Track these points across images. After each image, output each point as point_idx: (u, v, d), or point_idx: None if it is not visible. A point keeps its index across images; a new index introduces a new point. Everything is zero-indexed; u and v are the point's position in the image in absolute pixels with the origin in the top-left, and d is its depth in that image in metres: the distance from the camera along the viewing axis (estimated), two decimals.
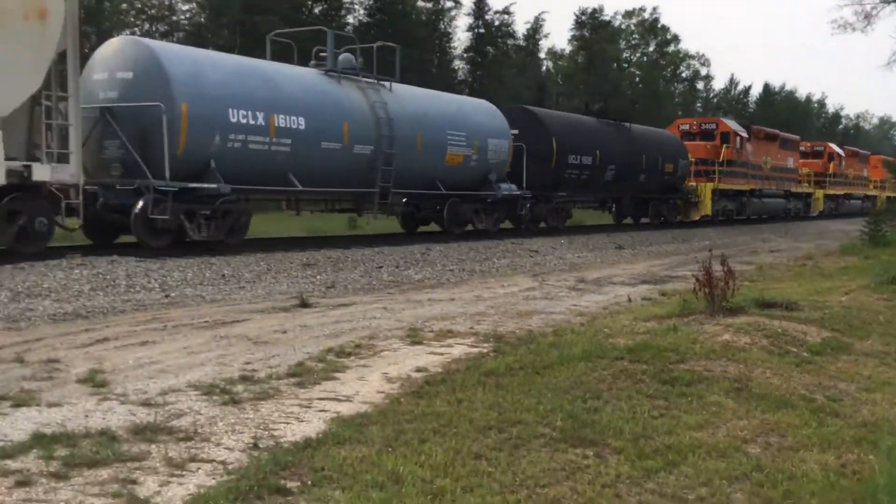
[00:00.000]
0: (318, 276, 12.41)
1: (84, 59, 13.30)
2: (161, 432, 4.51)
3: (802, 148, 42.04)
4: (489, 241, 18.23)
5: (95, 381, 5.58)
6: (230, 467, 4.00)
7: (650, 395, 5.47)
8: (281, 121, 14.41)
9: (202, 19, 48.21)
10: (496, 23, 59.39)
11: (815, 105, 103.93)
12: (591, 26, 67.18)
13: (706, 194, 29.70)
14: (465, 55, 59.01)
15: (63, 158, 11.51)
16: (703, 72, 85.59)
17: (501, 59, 58.55)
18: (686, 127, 32.43)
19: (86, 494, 3.62)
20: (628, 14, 77.04)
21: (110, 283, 10.15)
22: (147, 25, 47.32)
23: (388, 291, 11.54)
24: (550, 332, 8.01)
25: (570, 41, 70.77)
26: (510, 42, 61.91)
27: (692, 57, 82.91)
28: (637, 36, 78.26)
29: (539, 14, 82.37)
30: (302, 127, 14.79)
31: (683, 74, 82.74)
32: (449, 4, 56.98)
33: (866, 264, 15.50)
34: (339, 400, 5.37)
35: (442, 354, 6.92)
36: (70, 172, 11.47)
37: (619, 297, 11.24)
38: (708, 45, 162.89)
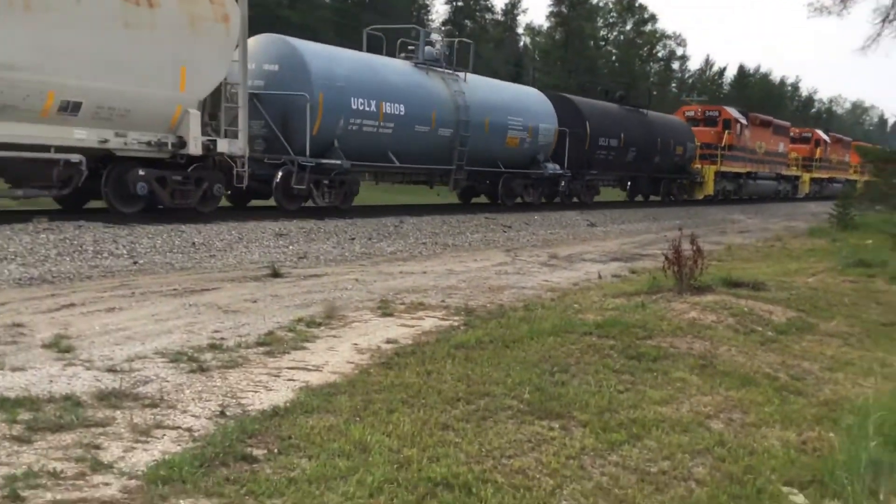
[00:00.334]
0: (291, 247, 12.34)
1: None
2: (126, 398, 4.48)
3: (792, 134, 43.97)
4: (462, 216, 18.24)
5: (60, 347, 5.53)
6: (196, 434, 3.99)
7: (617, 370, 5.53)
8: (387, 107, 16.99)
9: None
10: None
11: (789, 88, 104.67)
12: (569, 3, 66.84)
13: (709, 176, 32.49)
14: (442, 28, 58.64)
15: (233, 135, 13.88)
16: (679, 52, 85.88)
17: (479, 34, 58.27)
18: (691, 113, 34.87)
19: (49, 458, 3.59)
20: None
21: (77, 248, 10.02)
22: None
23: (360, 263, 11.51)
24: (521, 306, 8.05)
25: (548, 17, 70.48)
26: (488, 16, 61.60)
27: (668, 37, 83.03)
28: (615, 14, 78.09)
29: None
30: (402, 112, 17.34)
31: (660, 54, 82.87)
32: None
33: (834, 247, 15.72)
34: (309, 370, 5.36)
35: (412, 327, 6.93)
36: (239, 146, 13.92)
37: (590, 273, 11.31)
38: (685, 25, 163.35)
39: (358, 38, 20.13)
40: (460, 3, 57.68)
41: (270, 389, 4.83)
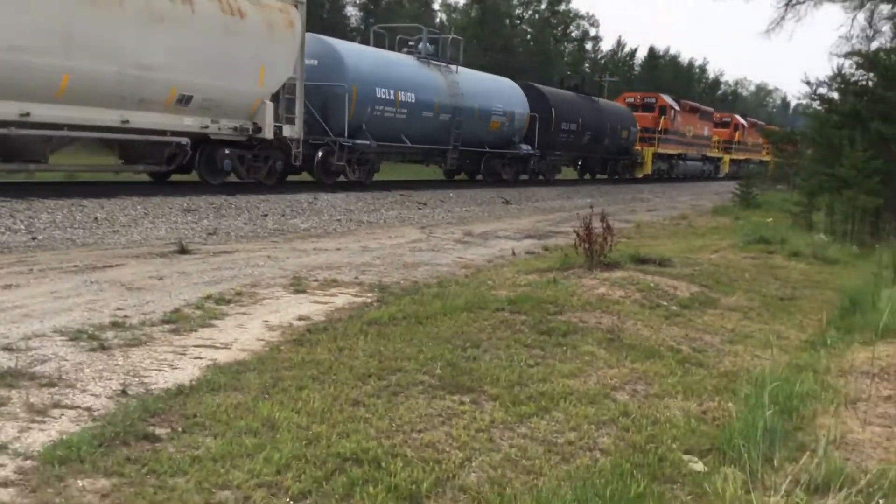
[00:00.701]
0: (200, 223, 12.05)
1: None
2: (22, 378, 4.29)
3: (714, 119, 47.55)
4: (378, 193, 18.14)
5: None
6: (96, 414, 3.86)
7: (528, 345, 5.60)
8: (402, 96, 20.16)
9: None
10: None
11: (697, 70, 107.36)
12: None
13: (648, 157, 36.45)
14: (357, 2, 57.95)
15: (290, 121, 16.69)
16: (592, 32, 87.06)
17: (395, 9, 57.80)
18: (631, 100, 38.41)
19: None
20: None
21: None
22: None
23: (273, 240, 11.33)
24: (435, 283, 8.06)
25: None
26: None
27: (582, 17, 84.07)
28: None
29: None
30: (413, 100, 20.56)
31: (573, 34, 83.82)
32: None
33: (736, 225, 16.30)
34: (216, 347, 5.25)
35: (325, 303, 6.86)
36: (296, 131, 16.88)
37: (504, 250, 11.41)
38: (597, 6, 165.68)
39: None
40: None
41: (176, 368, 4.71)
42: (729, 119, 51.46)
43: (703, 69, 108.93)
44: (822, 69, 64.05)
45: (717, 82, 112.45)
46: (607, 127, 31.99)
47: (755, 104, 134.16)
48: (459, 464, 3.61)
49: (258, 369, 4.67)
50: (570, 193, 25.42)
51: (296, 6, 16.36)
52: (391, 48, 22.32)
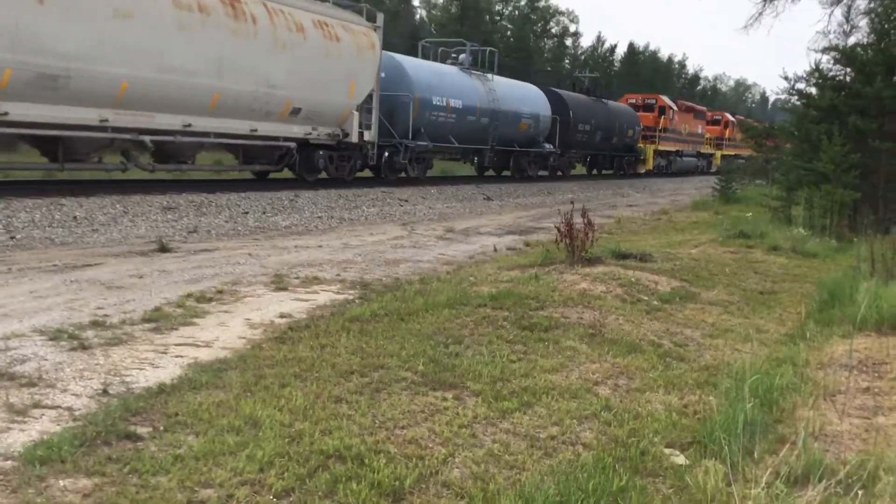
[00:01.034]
0: (180, 221, 11.98)
1: None
2: (2, 378, 4.25)
3: (707, 117, 50.20)
4: (359, 189, 18.10)
5: None
6: (77, 413, 3.83)
7: (510, 341, 5.61)
8: (452, 102, 23.24)
9: None
10: None
11: (677, 66, 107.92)
12: None
13: (650, 153, 39.43)
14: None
15: (368, 127, 19.40)
16: (572, 28, 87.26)
17: (375, 5, 57.60)
18: (633, 101, 41.14)
19: None
20: None
21: None
22: None
23: (254, 237, 11.28)
24: (417, 279, 8.06)
25: None
26: None
27: (562, 13, 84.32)
28: None
29: None
30: (460, 106, 23.61)
31: (553, 30, 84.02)
32: None
33: (716, 219, 16.40)
34: (198, 346, 5.22)
35: (307, 301, 6.85)
36: (372, 135, 19.66)
37: (486, 246, 11.43)
38: (577, 2, 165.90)
39: None
40: None
41: (157, 366, 4.69)
42: (720, 117, 53.97)
43: (682, 65, 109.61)
44: (801, 64, 64.94)
45: (696, 78, 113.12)
46: (616, 127, 35.07)
47: (734, 99, 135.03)
48: (442, 460, 3.62)
49: (240, 367, 4.65)
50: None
51: (375, 30, 19.54)
52: (434, 59, 25.54)
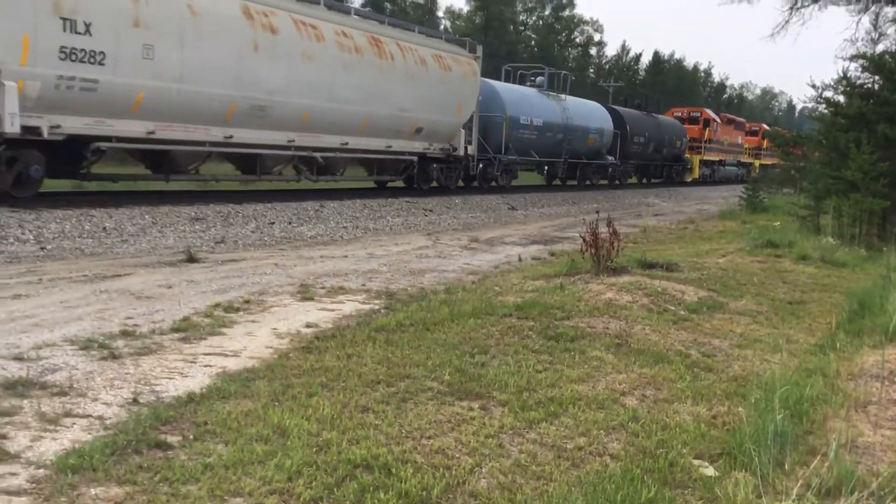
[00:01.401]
0: (208, 231, 12.09)
1: None
2: (34, 387, 4.32)
3: (746, 128, 53.07)
4: (384, 199, 18.17)
5: None
6: (107, 422, 3.88)
7: (536, 351, 5.60)
8: (534, 121, 26.40)
9: None
10: None
11: (702, 74, 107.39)
12: None
13: (696, 163, 42.72)
14: (361, 10, 58.08)
15: (469, 143, 22.73)
16: (597, 38, 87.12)
17: (398, 16, 57.96)
18: (679, 114, 44.67)
19: None
20: None
21: None
22: None
23: (280, 248, 11.36)
24: (442, 289, 8.07)
25: (468, 1, 70.65)
26: None
27: (586, 22, 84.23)
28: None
29: None
30: (541, 124, 26.73)
31: (577, 40, 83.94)
32: None
33: (743, 229, 16.25)
34: (226, 355, 5.27)
35: (333, 311, 6.88)
36: (473, 150, 23.06)
37: (511, 256, 11.42)
38: (601, 11, 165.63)
39: None
40: None
41: (186, 376, 4.73)
42: (758, 128, 56.42)
43: (707, 73, 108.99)
44: (828, 72, 64.54)
45: (722, 86, 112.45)
46: (666, 139, 38.38)
47: (761, 108, 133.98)
48: (469, 470, 3.62)
49: (268, 377, 4.68)
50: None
51: (475, 60, 22.97)
52: (513, 81, 28.64)
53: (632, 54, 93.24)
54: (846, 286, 9.48)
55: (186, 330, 5.83)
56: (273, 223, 13.48)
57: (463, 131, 22.23)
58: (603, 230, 8.64)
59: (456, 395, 4.56)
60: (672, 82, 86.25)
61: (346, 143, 18.17)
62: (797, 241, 13.00)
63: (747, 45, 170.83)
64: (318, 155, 17.50)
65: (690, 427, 4.37)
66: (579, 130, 29.44)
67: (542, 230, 16.15)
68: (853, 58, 16.99)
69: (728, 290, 8.62)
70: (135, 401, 4.21)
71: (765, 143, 53.35)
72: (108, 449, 3.47)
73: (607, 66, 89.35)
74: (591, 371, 5.23)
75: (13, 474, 3.27)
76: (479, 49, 23.49)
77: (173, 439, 3.67)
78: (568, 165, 29.72)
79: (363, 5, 57.82)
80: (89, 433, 3.73)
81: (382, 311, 6.88)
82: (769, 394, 4.52)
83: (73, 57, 11.92)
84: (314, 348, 5.43)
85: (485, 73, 25.43)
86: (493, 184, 25.13)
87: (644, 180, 39.55)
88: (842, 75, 16.47)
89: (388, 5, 57.84)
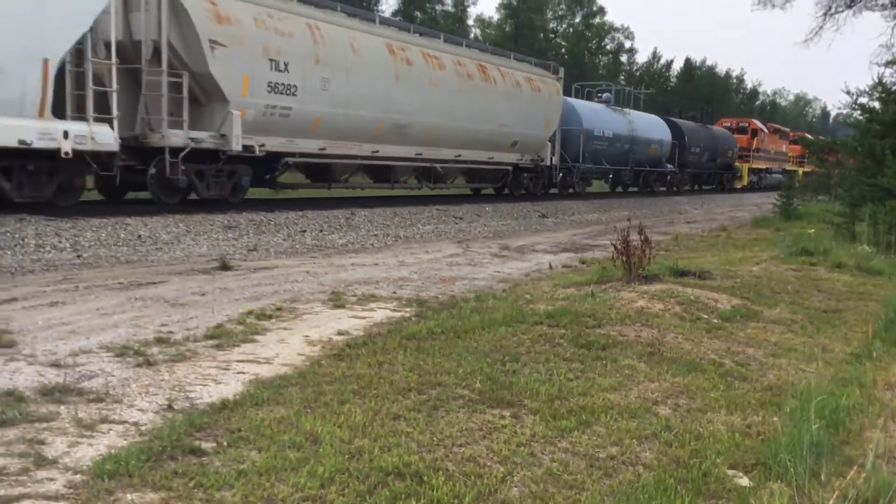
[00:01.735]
0: (240, 239, 12.21)
1: None
2: (71, 393, 4.39)
3: (790, 137, 54.95)
4: (414, 208, 18.22)
5: (2, 342, 5.39)
6: (143, 428, 3.93)
7: (567, 359, 5.58)
8: (605, 133, 29.88)
9: None
10: None
11: (735, 81, 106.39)
12: None
13: (745, 171, 45.95)
14: (392, 18, 58.39)
15: (553, 154, 26.14)
16: (628, 45, 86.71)
17: (429, 24, 58.21)
18: (728, 124, 47.59)
19: None
20: None
21: (18, 241, 9.78)
22: None
23: (312, 255, 11.43)
24: (473, 297, 8.07)
25: (498, 9, 70.70)
26: (439, 7, 61.45)
27: (617, 30, 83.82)
28: (564, 6, 78.57)
29: None
30: (611, 136, 30.29)
31: (608, 47, 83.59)
32: None
33: (777, 236, 16.06)
34: (259, 362, 5.31)
35: (364, 318, 6.91)
36: (556, 160, 26.49)
37: (541, 264, 11.39)
38: (632, 18, 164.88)
39: None
40: None
41: (219, 382, 4.78)
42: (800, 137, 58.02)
43: (740, 79, 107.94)
44: (863, 78, 63.89)
45: (755, 93, 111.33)
46: (718, 148, 41.62)
47: (794, 114, 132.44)
48: (501, 478, 3.61)
49: (300, 384, 4.72)
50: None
51: (558, 80, 26.58)
52: (580, 97, 32.18)
53: (663, 61, 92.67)
54: (882, 294, 9.33)
55: (220, 337, 5.89)
56: (304, 231, 13.57)
57: (549, 144, 25.60)
58: (634, 238, 8.60)
59: (487, 403, 4.56)
60: (704, 89, 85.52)
61: (459, 156, 21.61)
62: (832, 248, 12.83)
63: (780, 51, 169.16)
64: (438, 166, 21.02)
65: (724, 437, 4.32)
66: (643, 141, 32.77)
67: (573, 238, 16.09)
68: (888, 63, 16.77)
69: (762, 299, 8.52)
70: (169, 407, 4.26)
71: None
72: (143, 455, 3.52)
73: (638, 73, 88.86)
74: (622, 380, 5.20)
75: (51, 479, 3.33)
76: (562, 71, 27.17)
77: (207, 445, 3.71)
78: (633, 173, 33.25)
79: (394, 14, 58.18)
80: (125, 439, 3.78)
81: (413, 318, 6.90)
82: (805, 403, 4.46)
83: (276, 90, 15.28)
84: (346, 356, 5.46)
85: None
86: (570, 190, 28.50)
87: (696, 187, 42.05)
88: (877, 81, 16.24)
89: (418, 14, 58.03)
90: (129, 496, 3.19)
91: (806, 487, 3.43)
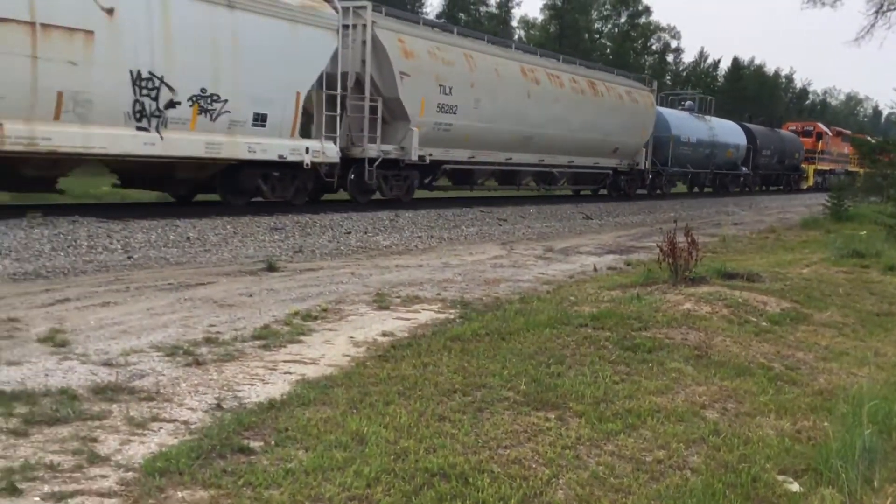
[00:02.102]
0: (286, 241, 12.34)
1: None
2: (122, 392, 4.48)
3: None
4: (458, 209, 18.24)
5: (56, 341, 5.53)
6: (192, 427, 4.00)
7: (612, 361, 5.54)
8: (690, 139, 31.92)
9: None
10: None
11: (784, 80, 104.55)
12: None
13: (811, 172, 48.08)
14: (437, 20, 58.56)
15: (646, 158, 28.53)
16: (674, 44, 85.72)
17: (474, 26, 58.25)
18: (794, 128, 49.87)
19: (45, 451, 3.60)
20: None
21: (71, 243, 10.00)
22: None
23: (356, 257, 11.51)
24: (517, 299, 8.06)
25: (542, 10, 70.42)
26: (483, 9, 61.43)
27: (663, 29, 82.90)
28: (609, 7, 77.96)
29: None
30: (694, 141, 32.29)
31: (654, 47, 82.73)
32: None
33: (828, 238, 15.74)
34: (305, 363, 5.37)
35: (408, 319, 6.94)
36: (648, 164, 28.73)
37: (586, 266, 11.32)
38: (679, 17, 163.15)
39: None
40: None
41: (267, 382, 4.84)
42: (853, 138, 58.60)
43: (789, 79, 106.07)
44: None
45: (804, 92, 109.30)
46: (786, 150, 43.48)
47: (845, 113, 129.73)
48: (546, 480, 3.60)
49: (345, 384, 4.75)
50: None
51: (652, 92, 28.99)
52: (664, 104, 33.93)
53: (710, 60, 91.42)
54: None
55: (267, 337, 5.97)
56: (349, 233, 13.67)
57: (644, 150, 28.17)
58: (681, 240, 8.50)
59: (532, 406, 4.55)
60: (752, 88, 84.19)
61: (572, 161, 24.31)
62: (885, 250, 12.54)
63: (830, 50, 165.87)
64: (555, 170, 23.75)
65: (774, 441, 4.26)
66: (722, 146, 35.13)
67: (618, 239, 15.97)
68: None
69: (812, 302, 8.37)
70: (218, 406, 4.33)
71: None
72: (193, 453, 3.58)
73: (685, 73, 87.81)
74: (669, 383, 5.15)
75: (104, 476, 3.40)
76: (655, 84, 30.23)
77: (256, 444, 3.76)
78: (713, 176, 35.68)
79: (438, 16, 58.32)
80: (175, 437, 3.85)
81: (457, 320, 6.91)
82: (857, 408, 4.37)
83: (443, 109, 18.35)
84: (390, 357, 5.49)
85: None
86: (658, 192, 31.04)
87: (764, 188, 43.89)
88: None
89: (462, 16, 58.10)
90: (179, 493, 3.25)
91: (858, 493, 3.37)
